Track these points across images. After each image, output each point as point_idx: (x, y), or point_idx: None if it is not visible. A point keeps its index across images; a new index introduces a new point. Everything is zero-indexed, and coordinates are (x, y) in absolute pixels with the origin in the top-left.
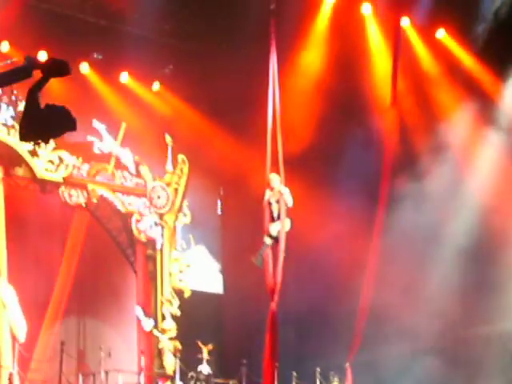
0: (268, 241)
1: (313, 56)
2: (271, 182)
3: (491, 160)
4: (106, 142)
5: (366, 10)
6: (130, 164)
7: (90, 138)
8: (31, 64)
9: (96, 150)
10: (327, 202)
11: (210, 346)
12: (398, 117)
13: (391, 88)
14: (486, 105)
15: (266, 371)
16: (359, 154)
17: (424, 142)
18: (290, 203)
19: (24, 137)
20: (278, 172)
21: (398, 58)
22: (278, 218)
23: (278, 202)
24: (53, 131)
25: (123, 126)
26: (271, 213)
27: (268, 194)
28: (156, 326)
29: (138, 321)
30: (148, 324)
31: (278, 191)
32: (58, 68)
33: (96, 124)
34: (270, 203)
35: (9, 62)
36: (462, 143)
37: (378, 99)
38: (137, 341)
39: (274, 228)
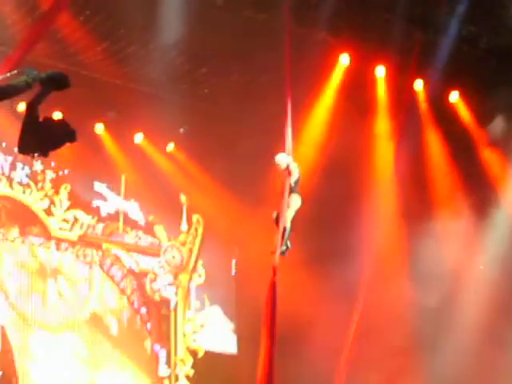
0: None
1: (319, 119)
2: (281, 164)
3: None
4: (110, 201)
5: (380, 72)
6: (139, 216)
7: (95, 204)
8: (31, 77)
9: (103, 214)
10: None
11: None
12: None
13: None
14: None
15: (262, 340)
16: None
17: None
18: (295, 177)
19: (23, 150)
20: None
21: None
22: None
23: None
24: (52, 144)
25: (123, 178)
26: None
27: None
28: (170, 378)
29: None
30: (164, 371)
31: (286, 168)
32: (57, 81)
33: (97, 186)
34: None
35: (8, 74)
36: (456, 254)
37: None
38: None
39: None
